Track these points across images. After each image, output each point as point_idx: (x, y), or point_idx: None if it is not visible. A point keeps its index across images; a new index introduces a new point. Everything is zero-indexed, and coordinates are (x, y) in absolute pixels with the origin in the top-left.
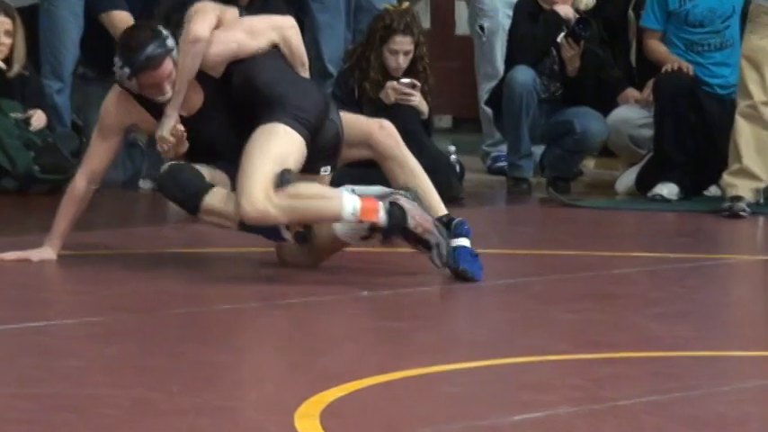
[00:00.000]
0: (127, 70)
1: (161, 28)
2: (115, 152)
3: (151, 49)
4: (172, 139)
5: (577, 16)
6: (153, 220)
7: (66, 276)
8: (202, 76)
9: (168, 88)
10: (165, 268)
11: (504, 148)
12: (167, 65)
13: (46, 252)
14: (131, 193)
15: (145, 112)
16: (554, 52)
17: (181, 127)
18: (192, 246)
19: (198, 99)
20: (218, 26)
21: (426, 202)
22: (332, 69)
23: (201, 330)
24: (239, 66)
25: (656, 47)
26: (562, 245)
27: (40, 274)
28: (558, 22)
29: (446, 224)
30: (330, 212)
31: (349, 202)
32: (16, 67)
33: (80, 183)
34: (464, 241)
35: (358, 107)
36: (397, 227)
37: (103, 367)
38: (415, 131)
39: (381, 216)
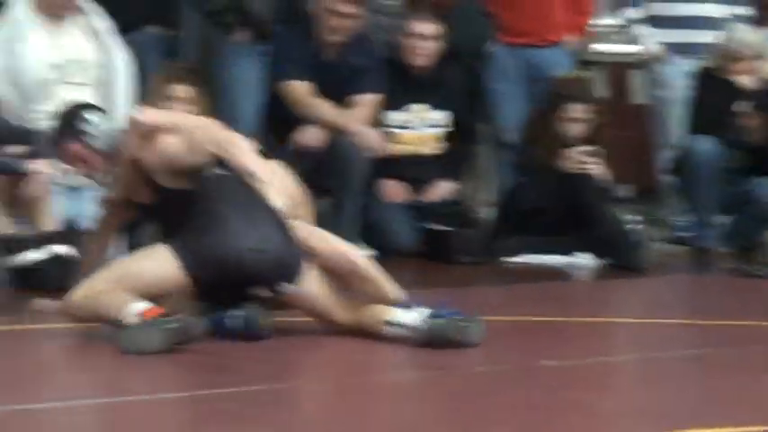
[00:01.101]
0: None
1: (95, 114)
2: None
3: (64, 124)
4: None
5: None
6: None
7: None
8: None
9: (82, 167)
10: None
11: (686, 218)
12: (77, 147)
13: None
14: None
15: None
16: (736, 121)
17: None
18: None
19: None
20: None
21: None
22: (509, 138)
23: (381, 398)
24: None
25: None
26: (748, 315)
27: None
28: (741, 90)
29: None
30: (114, 312)
31: (136, 306)
32: None
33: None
34: None
35: (535, 176)
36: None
37: None
38: (591, 201)
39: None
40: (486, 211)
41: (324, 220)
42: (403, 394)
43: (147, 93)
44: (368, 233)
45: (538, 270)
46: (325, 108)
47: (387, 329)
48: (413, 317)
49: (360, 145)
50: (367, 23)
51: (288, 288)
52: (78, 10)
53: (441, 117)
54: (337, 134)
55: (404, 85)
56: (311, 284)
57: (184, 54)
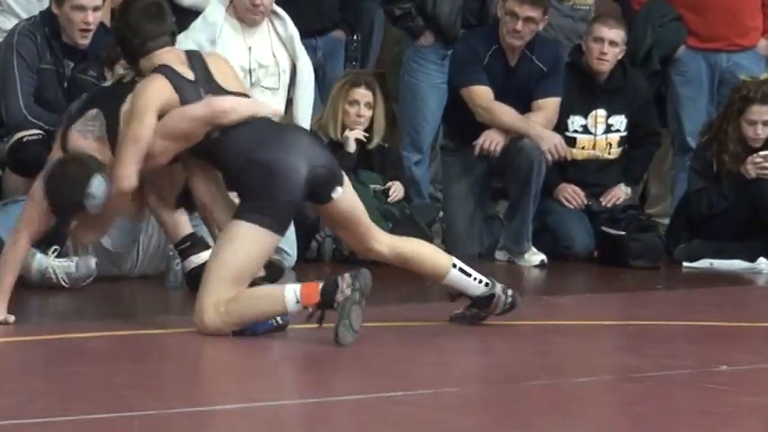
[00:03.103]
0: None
1: (93, 183)
2: (49, 222)
3: (65, 198)
4: None
5: None
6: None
7: (422, 346)
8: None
9: (112, 214)
10: (524, 340)
11: None
12: (91, 211)
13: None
14: (487, 264)
15: None
16: None
17: None
18: (546, 318)
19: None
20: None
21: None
22: (691, 143)
23: (557, 403)
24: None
25: None
26: None
27: (395, 345)
28: None
29: None
30: (277, 308)
31: (290, 292)
32: (376, 139)
33: (23, 246)
34: None
35: (716, 181)
36: (328, 303)
37: None
38: None
39: (318, 297)
40: (663, 216)
41: (500, 222)
42: (584, 399)
43: (329, 97)
44: (544, 237)
45: (717, 275)
46: (506, 112)
47: (452, 275)
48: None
49: (539, 149)
50: (556, 27)
51: (340, 191)
52: (270, 15)
53: (621, 122)
54: (517, 138)
55: (586, 90)
56: (350, 188)
57: (367, 58)
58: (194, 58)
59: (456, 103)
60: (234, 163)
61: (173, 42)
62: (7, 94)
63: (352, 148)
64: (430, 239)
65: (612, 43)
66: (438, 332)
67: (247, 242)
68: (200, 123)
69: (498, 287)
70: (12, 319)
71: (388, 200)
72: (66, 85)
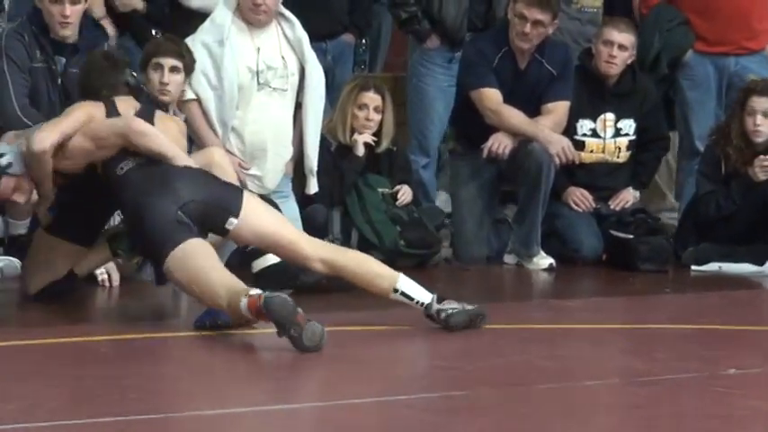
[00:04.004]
0: None
1: None
2: None
3: None
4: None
5: None
6: (518, 295)
7: (431, 350)
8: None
9: (21, 198)
10: (533, 343)
11: None
12: (6, 183)
13: None
14: (496, 267)
15: None
16: None
17: None
18: (554, 321)
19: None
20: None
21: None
22: (699, 146)
23: (566, 406)
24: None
25: None
26: None
27: (404, 348)
28: None
29: None
30: (220, 302)
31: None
32: (384, 143)
33: None
34: None
35: (725, 184)
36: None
37: None
38: None
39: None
40: (671, 220)
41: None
42: (592, 402)
43: (338, 100)
44: (552, 240)
45: (725, 279)
46: (514, 115)
47: (394, 296)
48: (421, 293)
49: (548, 152)
50: (563, 30)
51: (234, 222)
52: (278, 18)
53: (630, 126)
54: (526, 141)
55: (595, 94)
56: (258, 214)
57: (376, 62)
58: (145, 112)
59: (465, 106)
60: (124, 202)
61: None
62: (2, 98)
63: (360, 151)
64: (438, 243)
65: (622, 47)
66: (446, 336)
67: None
68: (116, 133)
69: (433, 308)
70: None
71: (397, 203)
72: (59, 81)
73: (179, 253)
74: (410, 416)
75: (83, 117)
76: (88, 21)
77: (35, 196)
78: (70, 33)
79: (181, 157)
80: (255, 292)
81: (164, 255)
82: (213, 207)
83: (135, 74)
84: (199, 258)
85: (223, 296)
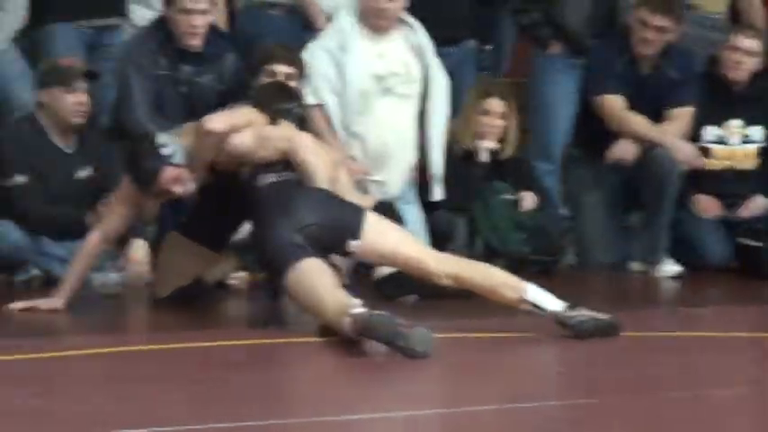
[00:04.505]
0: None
1: (159, 138)
2: (129, 220)
3: (148, 163)
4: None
5: None
6: (645, 302)
7: (556, 357)
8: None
9: (179, 187)
10: (660, 351)
11: None
12: (168, 173)
13: (54, 302)
14: (621, 274)
15: None
16: None
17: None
18: (682, 329)
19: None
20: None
21: None
22: None
23: (695, 415)
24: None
25: None
26: None
27: (530, 355)
28: None
29: None
30: (330, 316)
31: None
32: (508, 149)
33: (94, 240)
34: None
35: None
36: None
37: None
38: None
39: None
40: None
41: (634, 233)
42: (722, 411)
43: (462, 107)
44: (678, 247)
45: None
46: (638, 121)
47: (523, 307)
48: (551, 301)
49: (674, 159)
50: (687, 36)
51: (355, 245)
52: (401, 24)
53: (759, 132)
54: (651, 147)
55: (721, 100)
56: (379, 233)
57: (499, 68)
58: None
59: (587, 113)
60: (254, 215)
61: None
62: (126, 105)
63: (484, 158)
64: (562, 250)
65: (749, 53)
66: (572, 343)
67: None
68: (284, 138)
69: (563, 316)
70: (60, 304)
71: (521, 210)
72: (183, 89)
73: (294, 273)
74: (536, 424)
75: (251, 116)
76: (214, 31)
77: (190, 187)
78: (197, 43)
79: (323, 183)
80: (357, 311)
81: (281, 274)
82: (334, 229)
83: (303, 104)
84: (312, 277)
85: (330, 314)
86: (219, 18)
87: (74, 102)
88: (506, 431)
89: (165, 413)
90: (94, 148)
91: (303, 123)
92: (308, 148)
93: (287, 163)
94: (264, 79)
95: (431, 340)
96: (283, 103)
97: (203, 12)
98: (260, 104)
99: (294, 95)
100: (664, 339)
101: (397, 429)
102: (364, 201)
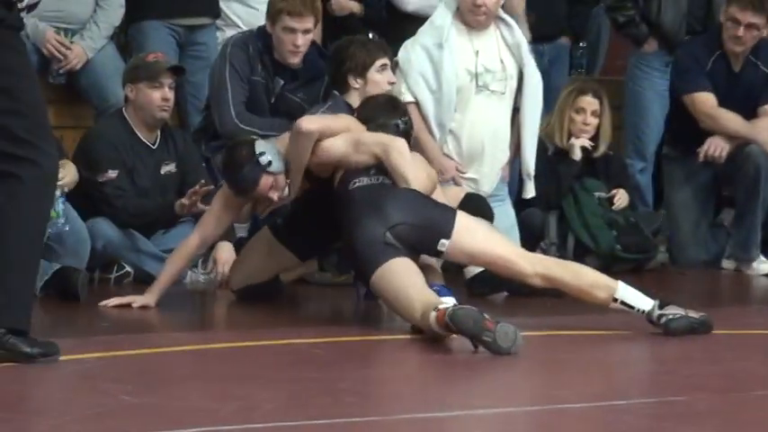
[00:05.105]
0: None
1: (257, 145)
2: (227, 224)
3: (246, 170)
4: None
5: None
6: (737, 300)
7: (648, 354)
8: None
9: (275, 195)
10: (751, 349)
11: None
12: (265, 181)
13: (146, 299)
14: (714, 272)
15: None
16: None
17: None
18: None
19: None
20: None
21: None
22: None
23: None
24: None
25: None
26: None
27: (621, 353)
28: None
29: None
30: (415, 315)
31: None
32: (602, 147)
33: (193, 242)
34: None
35: None
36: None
37: None
38: None
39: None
40: None
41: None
42: None
43: (555, 104)
44: None
45: None
46: (730, 118)
47: (614, 306)
48: (642, 300)
49: (766, 155)
50: None
51: (446, 244)
52: (497, 21)
53: None
54: (744, 144)
55: None
56: (469, 233)
57: (594, 65)
58: None
59: (678, 110)
60: (343, 217)
61: None
62: (220, 103)
63: (577, 155)
64: (655, 247)
65: None
66: (663, 340)
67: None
68: (379, 143)
69: (655, 314)
70: (152, 302)
71: (613, 208)
72: (273, 100)
73: (382, 272)
74: (628, 421)
75: (348, 121)
76: (313, 49)
77: (286, 193)
78: (297, 61)
79: (415, 186)
80: (444, 305)
81: (369, 273)
82: (424, 229)
83: (407, 120)
84: (401, 276)
85: (418, 312)
86: (316, 34)
87: (159, 97)
88: (596, 428)
89: (263, 411)
90: (177, 143)
91: (408, 138)
92: (401, 153)
93: (380, 167)
94: (376, 75)
95: (516, 337)
96: (390, 117)
97: (307, 31)
98: (365, 118)
99: (401, 110)
100: (755, 337)
101: (489, 426)
102: (456, 192)
